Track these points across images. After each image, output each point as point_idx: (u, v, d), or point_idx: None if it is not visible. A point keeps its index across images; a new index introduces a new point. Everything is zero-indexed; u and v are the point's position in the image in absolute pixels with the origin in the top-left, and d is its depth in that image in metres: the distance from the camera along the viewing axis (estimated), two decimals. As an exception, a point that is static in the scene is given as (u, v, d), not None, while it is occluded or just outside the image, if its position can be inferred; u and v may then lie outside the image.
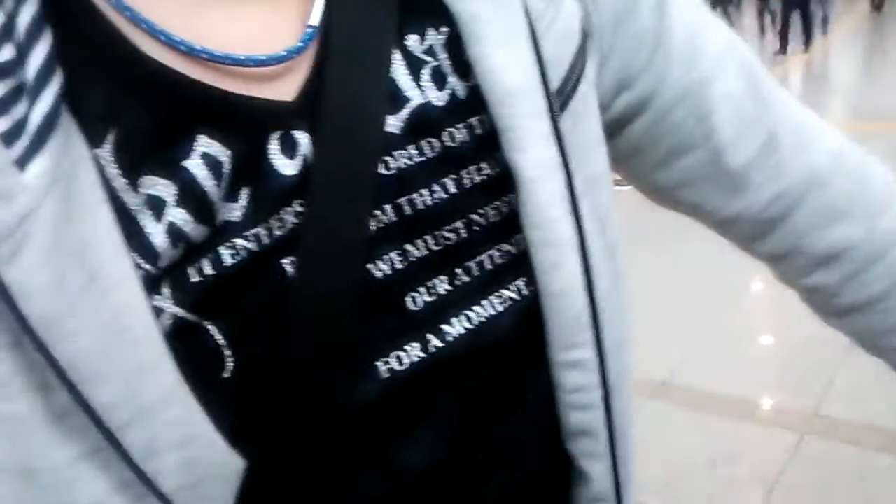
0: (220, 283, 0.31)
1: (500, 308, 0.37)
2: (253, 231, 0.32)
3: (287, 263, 0.32)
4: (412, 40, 0.36)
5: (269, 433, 0.33)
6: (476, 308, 0.37)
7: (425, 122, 0.36)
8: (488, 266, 0.37)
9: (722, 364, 2.59)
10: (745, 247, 0.53)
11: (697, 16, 0.47)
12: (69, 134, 0.29)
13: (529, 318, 0.38)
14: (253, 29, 0.34)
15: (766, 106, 0.48)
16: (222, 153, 0.31)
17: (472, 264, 0.37)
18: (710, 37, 0.47)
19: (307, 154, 0.33)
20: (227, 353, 0.31)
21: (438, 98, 0.36)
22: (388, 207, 0.35)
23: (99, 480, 0.29)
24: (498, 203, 0.38)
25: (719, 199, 0.49)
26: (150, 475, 0.30)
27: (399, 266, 0.35)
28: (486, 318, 0.37)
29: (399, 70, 0.36)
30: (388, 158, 0.35)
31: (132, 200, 0.30)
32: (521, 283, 0.38)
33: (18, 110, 0.27)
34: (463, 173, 0.37)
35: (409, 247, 0.35)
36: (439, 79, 0.37)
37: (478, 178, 0.37)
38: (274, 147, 0.33)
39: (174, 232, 0.30)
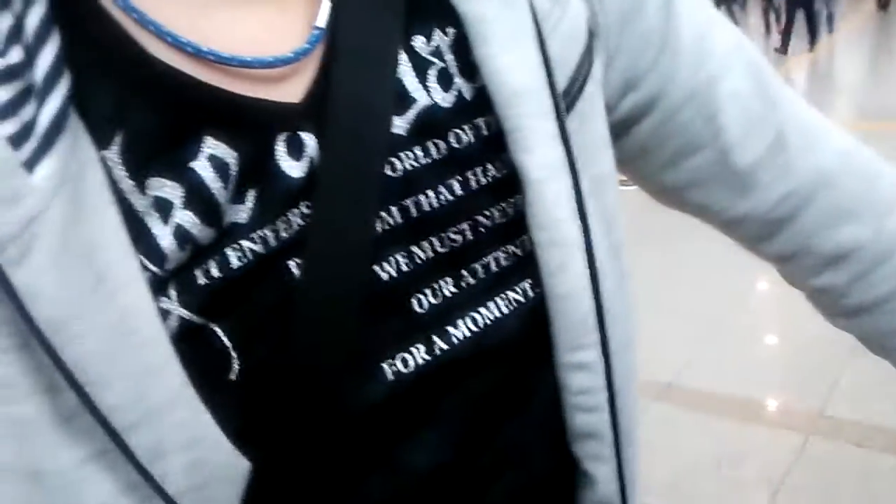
0: (226, 285, 0.31)
1: (506, 310, 0.37)
2: (259, 233, 0.32)
3: (293, 265, 0.33)
4: (418, 41, 0.36)
5: (275, 435, 0.33)
6: (482, 310, 0.37)
7: (431, 124, 0.36)
8: (494, 268, 0.37)
9: (727, 365, 2.58)
10: (752, 247, 0.52)
11: (704, 15, 0.47)
12: (77, 136, 0.29)
13: (535, 320, 0.38)
14: (260, 30, 0.34)
15: (774, 105, 0.48)
16: (229, 155, 0.31)
17: (477, 266, 0.37)
18: (717, 36, 0.47)
19: (313, 156, 0.33)
20: (234, 355, 0.31)
21: (445, 99, 0.36)
22: (394, 209, 0.35)
23: (106, 482, 0.30)
24: (504, 204, 0.38)
25: (726, 199, 0.48)
26: (157, 477, 0.30)
27: (405, 268, 0.35)
28: (491, 319, 0.37)
29: (405, 71, 0.36)
30: (394, 160, 0.35)
31: (139, 202, 0.30)
32: (526, 284, 0.38)
33: (27, 112, 0.27)
34: (469, 175, 0.37)
35: (414, 249, 0.35)
36: (446, 80, 0.37)
37: (484, 180, 0.37)
38: (281, 149, 0.33)
39: (181, 234, 0.30)
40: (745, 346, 2.73)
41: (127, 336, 0.28)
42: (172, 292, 0.30)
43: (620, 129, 0.47)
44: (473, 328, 0.36)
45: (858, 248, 0.49)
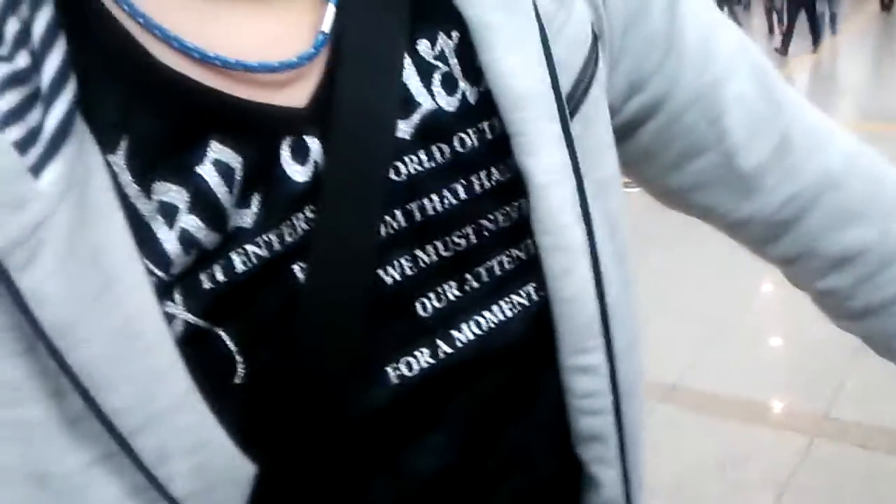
0: (231, 289, 0.31)
1: (510, 313, 0.37)
2: (264, 237, 0.32)
3: (298, 270, 0.33)
4: (423, 46, 0.36)
5: (279, 439, 0.33)
6: (486, 313, 0.37)
7: (436, 128, 0.36)
8: (498, 272, 0.37)
9: (732, 367, 2.58)
10: (757, 250, 0.52)
11: (709, 17, 0.47)
12: (83, 141, 0.29)
13: (539, 324, 0.38)
14: (265, 35, 0.34)
15: (779, 108, 0.48)
16: (234, 160, 0.31)
17: (481, 270, 0.37)
18: (721, 38, 0.47)
19: (318, 160, 0.33)
20: (239, 359, 0.31)
21: (449, 103, 0.36)
22: (398, 213, 0.35)
23: (111, 486, 0.30)
24: (508, 208, 0.38)
25: (732, 201, 0.48)
26: (162, 480, 0.30)
27: (409, 272, 0.35)
28: (495, 323, 0.37)
29: (410, 75, 0.36)
30: (398, 164, 0.35)
31: (145, 207, 0.30)
32: (530, 288, 0.38)
33: (33, 117, 0.27)
34: (473, 179, 0.37)
35: (419, 253, 0.35)
36: (450, 84, 0.37)
37: (488, 184, 0.37)
38: (285, 153, 0.33)
39: (186, 239, 0.30)
40: (750, 347, 2.72)
41: (132, 340, 0.28)
42: (178, 297, 0.30)
43: (625, 132, 0.47)
44: (477, 332, 0.36)
45: (864, 251, 0.49)
